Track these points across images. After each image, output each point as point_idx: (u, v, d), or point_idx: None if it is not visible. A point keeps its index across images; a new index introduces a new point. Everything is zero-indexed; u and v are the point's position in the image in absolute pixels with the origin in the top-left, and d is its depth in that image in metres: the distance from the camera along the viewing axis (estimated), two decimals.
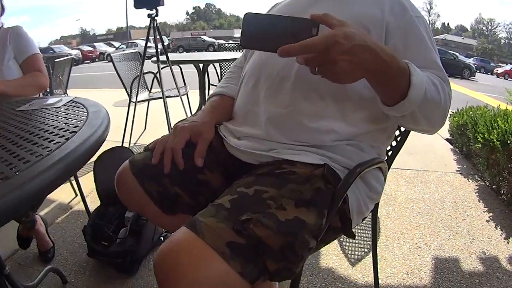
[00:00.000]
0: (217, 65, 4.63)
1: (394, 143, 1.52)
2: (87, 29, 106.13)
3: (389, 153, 1.53)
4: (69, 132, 0.94)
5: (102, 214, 2.13)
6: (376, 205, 1.39)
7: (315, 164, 1.02)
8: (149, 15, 3.39)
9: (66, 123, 1.06)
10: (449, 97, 1.03)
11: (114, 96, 7.55)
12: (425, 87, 0.92)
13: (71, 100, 1.41)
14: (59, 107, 1.34)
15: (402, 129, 1.50)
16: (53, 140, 0.88)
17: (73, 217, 2.64)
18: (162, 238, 2.24)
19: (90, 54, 33.83)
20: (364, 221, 1.45)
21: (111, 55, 3.92)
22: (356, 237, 2.35)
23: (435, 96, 0.97)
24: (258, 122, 1.16)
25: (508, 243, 2.40)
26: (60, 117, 1.18)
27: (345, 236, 1.11)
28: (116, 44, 41.28)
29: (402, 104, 0.91)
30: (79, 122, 1.05)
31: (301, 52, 0.80)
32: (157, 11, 3.36)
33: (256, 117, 1.17)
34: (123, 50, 30.97)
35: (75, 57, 28.58)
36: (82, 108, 1.25)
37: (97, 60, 33.94)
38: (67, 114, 1.21)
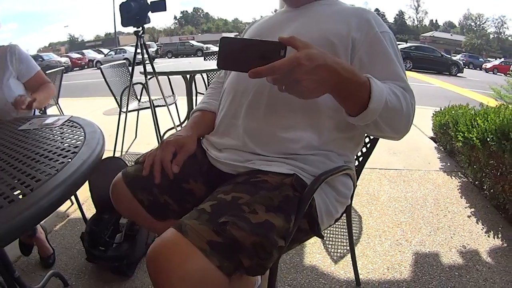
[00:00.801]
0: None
1: (364, 149, 1.65)
2: (76, 36, 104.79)
3: (360, 159, 1.66)
4: (71, 153, 1.08)
5: (98, 221, 2.24)
6: (348, 207, 1.51)
7: (285, 173, 1.16)
8: (136, 33, 3.48)
9: (67, 144, 1.20)
10: (411, 106, 1.13)
11: (104, 105, 7.60)
12: (385, 97, 1.03)
13: (68, 120, 1.54)
14: (58, 126, 1.47)
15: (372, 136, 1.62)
16: (57, 160, 1.03)
17: (71, 225, 2.74)
18: None
19: (79, 62, 33.09)
20: (343, 221, 1.58)
21: (101, 67, 3.99)
22: (338, 236, 2.47)
23: (396, 105, 1.07)
24: (236, 134, 1.30)
25: (488, 236, 2.51)
26: (60, 137, 1.32)
27: (327, 235, 1.24)
28: (105, 50, 40.77)
29: (364, 114, 1.02)
30: (78, 142, 1.19)
31: (268, 74, 0.91)
32: (143, 28, 3.46)
33: (234, 129, 1.31)
34: (112, 57, 30.47)
35: (64, 64, 28.28)
36: (79, 128, 1.39)
37: (86, 67, 33.27)
38: (67, 134, 1.35)
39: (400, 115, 1.10)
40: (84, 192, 2.37)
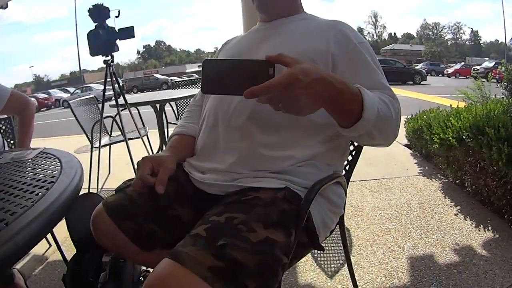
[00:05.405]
0: (173, 103, 4.66)
1: (350, 158, 1.62)
2: (41, 76, 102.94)
3: (347, 167, 1.64)
4: (48, 183, 0.99)
5: (80, 261, 2.11)
6: (342, 217, 1.47)
7: (276, 188, 1.11)
8: (105, 61, 3.44)
9: (42, 175, 1.11)
10: (399, 111, 1.14)
11: (74, 143, 7.38)
12: (377, 106, 1.02)
13: (41, 152, 1.45)
14: (31, 159, 1.38)
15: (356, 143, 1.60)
16: (33, 192, 0.94)
17: (50, 268, 2.60)
18: (141, 278, 2.24)
19: (46, 102, 32.80)
20: (333, 235, 1.52)
21: (69, 102, 3.85)
22: (329, 251, 2.43)
23: (387, 112, 1.07)
24: (220, 158, 1.25)
25: (479, 230, 2.55)
26: (35, 169, 1.23)
27: (317, 251, 1.18)
28: (71, 89, 40.28)
29: (359, 125, 1.00)
30: (54, 172, 1.11)
31: (265, 92, 0.86)
32: (112, 57, 3.41)
33: (217, 153, 1.26)
34: (78, 95, 30.15)
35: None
36: (55, 159, 1.30)
37: (53, 107, 32.95)
38: (41, 165, 1.26)
39: (391, 121, 1.10)
40: (62, 232, 2.26)
